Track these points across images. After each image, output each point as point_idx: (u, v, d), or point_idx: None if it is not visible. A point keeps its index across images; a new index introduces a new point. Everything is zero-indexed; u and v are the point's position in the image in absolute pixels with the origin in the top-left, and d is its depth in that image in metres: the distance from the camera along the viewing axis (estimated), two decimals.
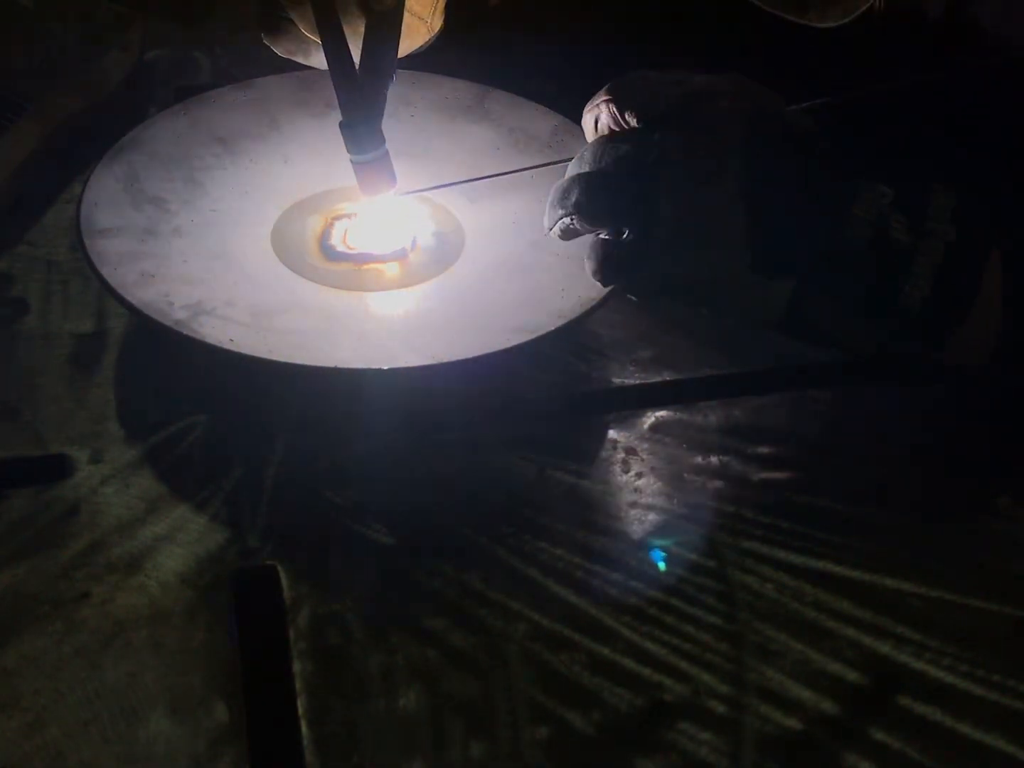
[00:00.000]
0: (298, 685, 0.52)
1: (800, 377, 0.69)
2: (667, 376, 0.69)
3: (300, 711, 0.51)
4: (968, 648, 0.55)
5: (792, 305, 0.57)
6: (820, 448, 0.65)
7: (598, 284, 0.60)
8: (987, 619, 0.56)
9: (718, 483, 0.62)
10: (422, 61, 0.75)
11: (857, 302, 0.56)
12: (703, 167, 0.56)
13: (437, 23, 0.75)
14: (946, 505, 0.63)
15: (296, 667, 0.53)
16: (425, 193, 0.73)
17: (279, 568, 0.57)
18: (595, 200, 0.58)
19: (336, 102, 0.79)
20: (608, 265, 0.59)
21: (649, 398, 0.67)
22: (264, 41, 0.69)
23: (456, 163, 0.77)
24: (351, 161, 0.68)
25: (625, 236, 0.58)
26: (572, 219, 0.59)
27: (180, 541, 0.58)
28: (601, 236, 0.59)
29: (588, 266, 0.59)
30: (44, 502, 0.59)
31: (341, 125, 0.67)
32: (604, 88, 0.60)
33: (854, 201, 0.56)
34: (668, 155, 0.57)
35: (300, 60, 0.70)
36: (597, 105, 0.60)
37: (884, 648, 0.55)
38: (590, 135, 0.60)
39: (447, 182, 0.71)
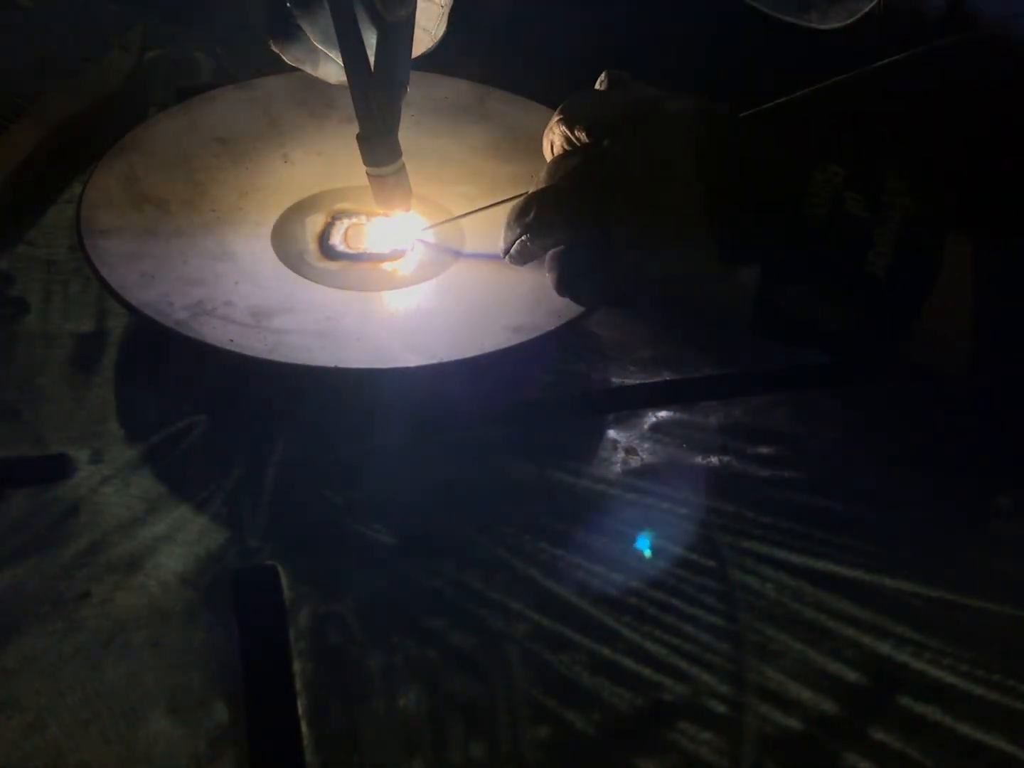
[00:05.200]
0: (298, 685, 0.52)
1: (800, 377, 0.69)
2: (667, 376, 0.69)
3: (300, 711, 0.51)
4: (968, 648, 0.55)
5: (761, 295, 0.57)
6: (820, 448, 0.65)
7: None
8: (987, 619, 0.56)
9: (718, 483, 0.62)
10: (422, 60, 0.75)
11: (823, 279, 0.56)
12: (655, 164, 0.57)
13: (440, 31, 0.75)
14: (946, 505, 0.63)
15: (296, 667, 0.53)
16: (425, 194, 0.73)
17: (279, 568, 0.57)
18: (550, 214, 0.59)
19: (336, 102, 0.79)
20: (570, 274, 0.59)
21: (649, 398, 0.67)
22: (272, 48, 0.69)
23: (456, 163, 0.77)
24: (368, 174, 0.68)
25: (585, 244, 0.58)
26: (527, 238, 0.59)
27: (180, 541, 0.58)
28: (560, 248, 0.59)
29: (551, 279, 0.60)
30: (44, 502, 0.59)
31: (358, 138, 0.67)
32: (556, 110, 0.61)
33: (808, 180, 0.56)
34: (619, 159, 0.58)
35: (308, 70, 0.69)
36: (551, 128, 0.61)
37: (884, 648, 0.55)
38: (548, 158, 0.62)
39: (456, 214, 0.71)
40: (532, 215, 0.59)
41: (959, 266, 0.56)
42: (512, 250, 0.62)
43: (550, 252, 0.60)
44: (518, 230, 0.60)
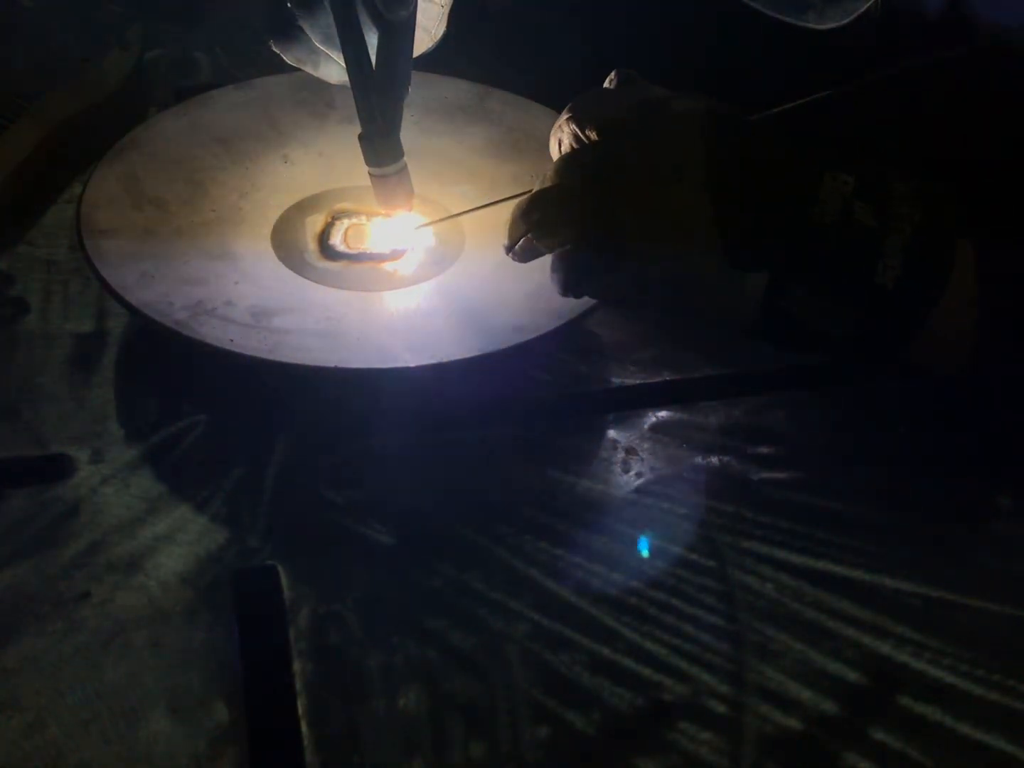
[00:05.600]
0: (298, 685, 0.52)
1: (799, 377, 0.69)
2: (667, 376, 0.69)
3: (300, 711, 0.51)
4: (968, 648, 0.55)
5: (767, 298, 0.57)
6: (820, 448, 0.65)
7: None
8: (987, 619, 0.56)
9: (718, 483, 0.62)
10: (422, 60, 0.75)
11: (831, 287, 0.56)
12: (664, 165, 0.57)
13: (440, 31, 0.75)
14: (946, 505, 0.63)
15: (296, 667, 0.53)
16: (425, 194, 0.73)
17: (279, 568, 0.57)
18: (556, 213, 0.58)
19: (335, 102, 0.79)
20: (575, 275, 0.59)
21: (649, 398, 0.67)
22: (273, 49, 0.69)
23: (456, 163, 0.77)
24: (369, 174, 0.68)
25: (590, 245, 0.58)
26: (532, 237, 0.59)
27: (180, 541, 0.58)
28: (565, 248, 0.59)
29: (555, 279, 0.59)
30: (44, 502, 0.59)
31: (360, 137, 0.67)
32: (565, 109, 0.61)
33: (818, 188, 0.56)
34: (627, 160, 0.57)
35: (309, 70, 0.69)
36: (559, 126, 0.61)
37: (884, 648, 0.55)
38: (555, 156, 0.61)
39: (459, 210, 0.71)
40: (538, 214, 0.59)
41: (962, 268, 0.56)
42: (516, 247, 0.61)
43: (555, 252, 0.59)
44: (523, 227, 0.60)
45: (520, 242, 0.61)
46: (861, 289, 0.55)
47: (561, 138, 0.61)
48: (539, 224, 0.59)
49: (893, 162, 0.58)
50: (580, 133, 0.60)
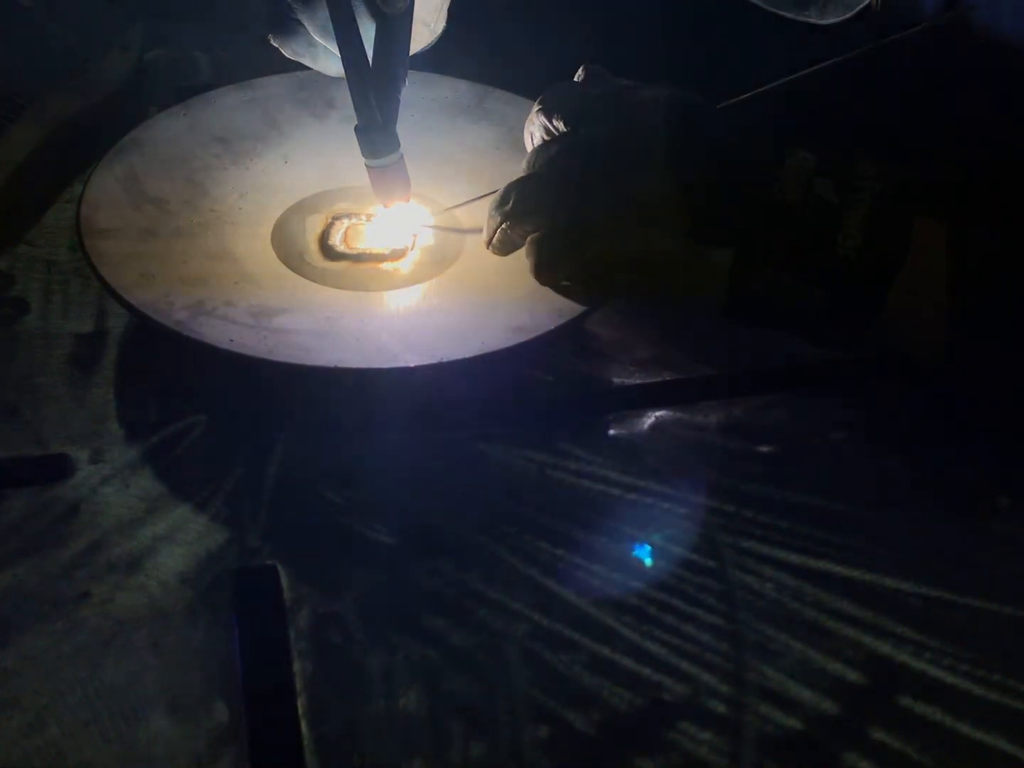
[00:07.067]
0: (298, 685, 0.52)
1: (800, 377, 0.69)
2: (667, 376, 0.69)
3: (300, 711, 0.51)
4: (968, 648, 0.55)
5: (733, 276, 0.58)
6: (820, 448, 0.65)
7: None
8: (987, 619, 0.56)
9: (718, 483, 0.62)
10: (422, 61, 0.76)
11: (794, 261, 0.57)
12: (629, 147, 0.58)
13: (440, 26, 0.75)
14: (946, 505, 0.63)
15: (296, 667, 0.53)
16: (425, 193, 0.73)
17: (279, 568, 0.57)
18: (527, 200, 0.61)
19: (336, 102, 0.79)
20: (546, 258, 0.61)
21: (649, 398, 0.67)
22: (272, 42, 0.69)
23: (456, 163, 0.77)
24: (366, 166, 0.68)
25: (561, 229, 0.60)
26: (507, 226, 0.62)
27: (180, 541, 0.58)
28: (538, 234, 0.61)
29: (528, 265, 0.62)
30: (44, 502, 0.59)
31: (357, 130, 0.67)
32: (535, 102, 0.63)
33: (779, 166, 0.57)
34: (595, 145, 0.59)
35: (307, 63, 0.70)
36: (531, 119, 0.63)
37: (884, 648, 0.55)
38: (529, 149, 0.63)
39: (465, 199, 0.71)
40: (510, 204, 0.61)
41: (932, 245, 0.57)
42: (494, 239, 0.63)
43: (528, 237, 0.61)
44: (498, 218, 0.62)
45: (497, 234, 0.63)
46: (823, 262, 0.57)
47: (533, 131, 0.63)
48: (512, 213, 0.61)
49: (860, 140, 0.59)
50: (549, 124, 0.62)
